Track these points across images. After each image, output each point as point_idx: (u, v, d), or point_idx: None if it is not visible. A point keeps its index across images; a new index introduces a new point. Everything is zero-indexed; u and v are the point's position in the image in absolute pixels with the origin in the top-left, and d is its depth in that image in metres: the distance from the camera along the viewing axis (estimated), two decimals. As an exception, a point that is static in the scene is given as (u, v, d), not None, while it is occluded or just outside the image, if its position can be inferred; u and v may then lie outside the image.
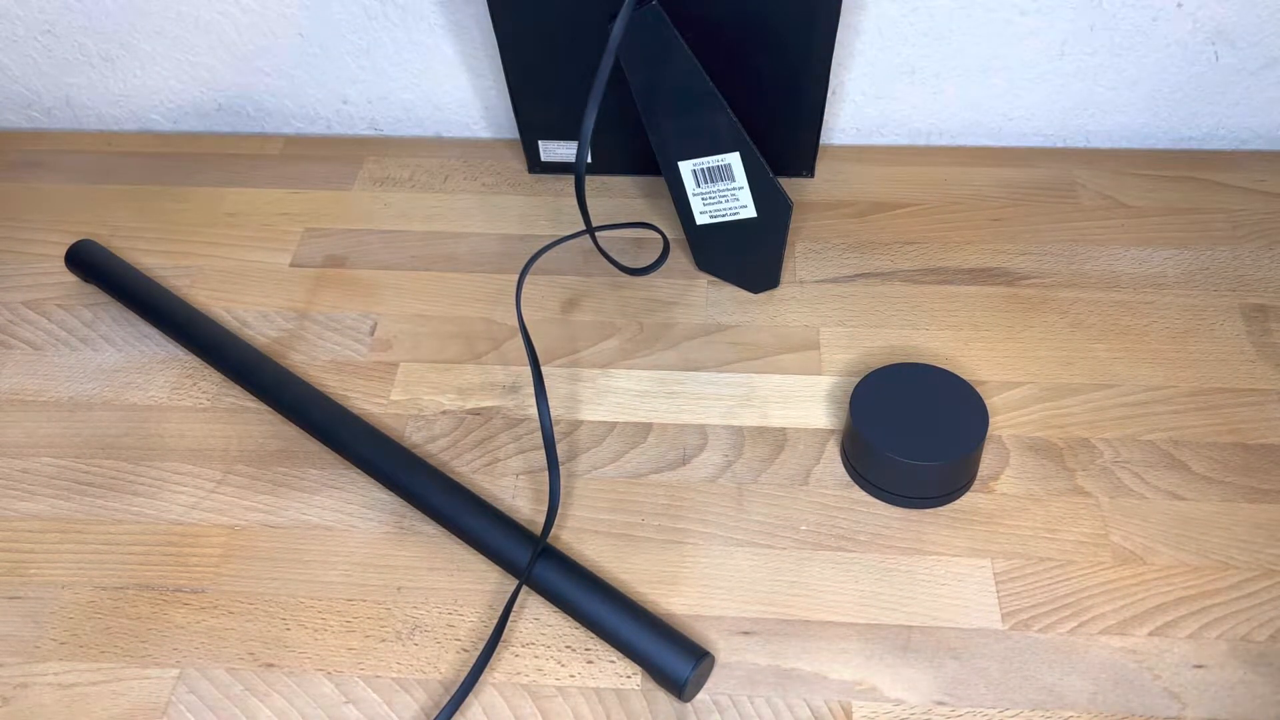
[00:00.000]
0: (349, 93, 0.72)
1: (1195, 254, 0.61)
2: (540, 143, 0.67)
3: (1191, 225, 0.63)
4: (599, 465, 0.52)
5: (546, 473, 0.51)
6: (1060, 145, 0.70)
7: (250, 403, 0.56)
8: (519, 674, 0.45)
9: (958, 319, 0.58)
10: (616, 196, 0.67)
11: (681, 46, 0.52)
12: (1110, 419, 0.53)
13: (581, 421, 0.54)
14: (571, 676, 0.45)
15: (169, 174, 0.71)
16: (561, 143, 0.67)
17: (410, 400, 0.56)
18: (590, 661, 0.45)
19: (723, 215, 0.57)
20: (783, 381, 0.56)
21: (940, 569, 0.48)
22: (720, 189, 0.56)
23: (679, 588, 0.47)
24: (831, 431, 0.53)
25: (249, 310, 0.61)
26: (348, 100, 0.73)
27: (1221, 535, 0.48)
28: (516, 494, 0.51)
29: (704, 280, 0.61)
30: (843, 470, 0.52)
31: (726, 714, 0.43)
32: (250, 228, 0.66)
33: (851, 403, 0.50)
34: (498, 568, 0.48)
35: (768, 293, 0.60)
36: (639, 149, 0.64)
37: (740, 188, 0.56)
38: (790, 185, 0.67)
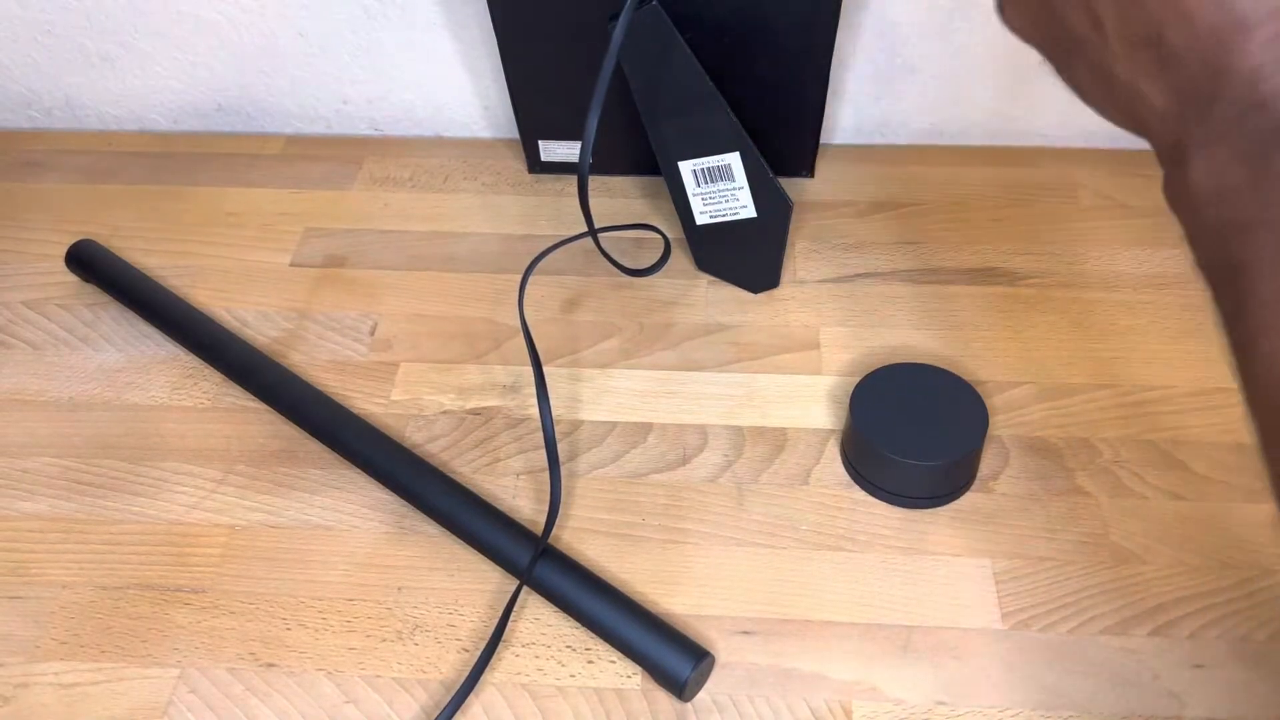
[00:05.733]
0: (349, 93, 0.72)
1: (1195, 254, 0.61)
2: (540, 143, 0.67)
3: (1191, 225, 0.63)
4: (599, 465, 0.52)
5: (547, 472, 0.51)
6: (1060, 145, 0.70)
7: (250, 403, 0.56)
8: (519, 674, 0.45)
9: (958, 319, 0.58)
10: (616, 196, 0.67)
11: (682, 47, 0.52)
12: (1110, 419, 0.53)
13: (582, 421, 0.54)
14: (572, 676, 0.45)
15: (169, 174, 0.71)
16: (562, 143, 0.67)
17: (411, 400, 0.56)
18: (590, 661, 0.45)
19: (723, 215, 0.57)
20: (783, 381, 0.56)
21: (940, 569, 0.48)
22: (720, 189, 0.56)
23: (679, 588, 0.47)
24: (831, 431, 0.53)
25: (249, 310, 0.61)
26: (348, 100, 0.73)
27: (1221, 535, 0.48)
28: (517, 494, 0.51)
29: (704, 280, 0.61)
30: (843, 470, 0.52)
31: (726, 714, 0.43)
32: (250, 228, 0.66)
33: (851, 403, 0.50)
34: (498, 568, 0.48)
35: (768, 292, 0.60)
36: (639, 149, 0.64)
37: (740, 188, 0.56)
38: (790, 185, 0.67)
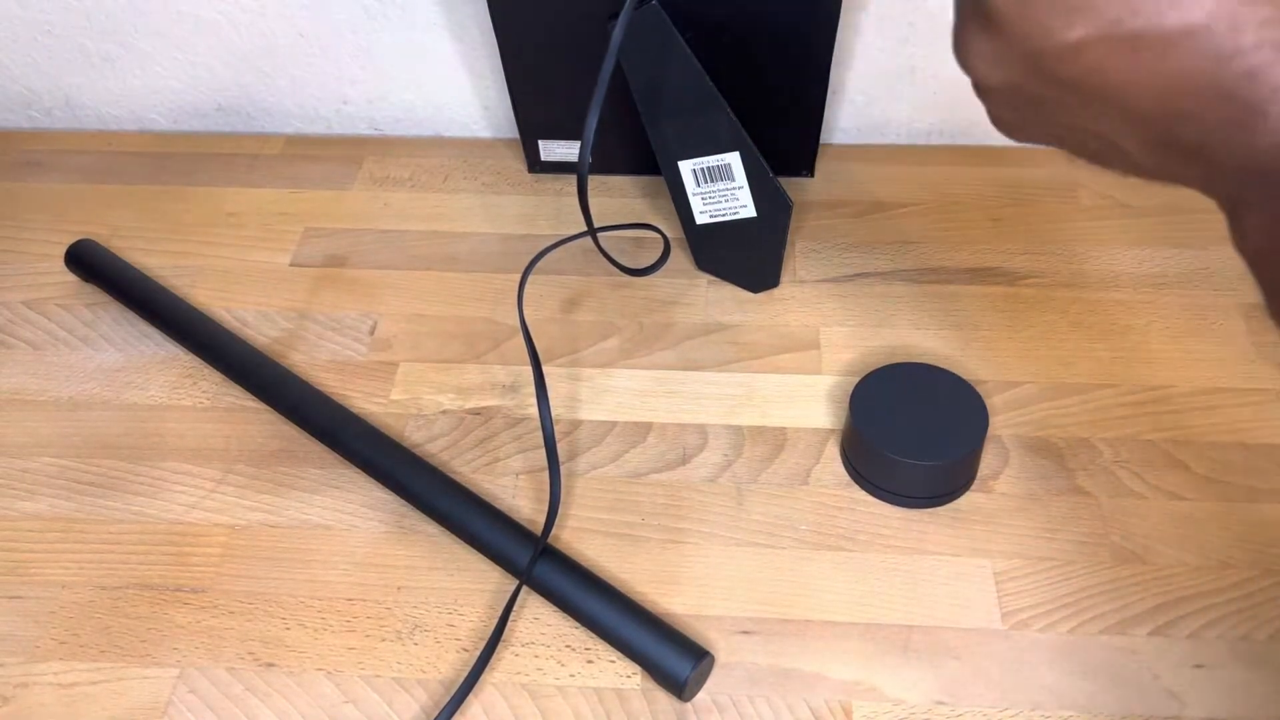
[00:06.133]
0: (349, 93, 0.72)
1: (1195, 254, 0.61)
2: (540, 142, 0.67)
3: (1191, 225, 0.63)
4: (599, 465, 0.52)
5: (546, 472, 0.51)
6: (1060, 145, 0.70)
7: (250, 402, 0.56)
8: (519, 674, 0.45)
9: (958, 319, 0.58)
10: (616, 196, 0.67)
11: (681, 46, 0.52)
12: (1110, 419, 0.53)
13: (581, 421, 0.54)
14: (571, 676, 0.45)
15: (169, 174, 0.71)
16: (562, 142, 0.67)
17: (410, 400, 0.56)
18: (590, 661, 0.45)
19: (723, 215, 0.57)
20: (783, 381, 0.56)
21: (940, 569, 0.48)
22: (720, 189, 0.56)
23: (679, 588, 0.47)
24: (831, 431, 0.53)
25: (249, 310, 0.61)
26: (348, 100, 0.73)
27: (1221, 535, 0.48)
28: (516, 494, 0.51)
29: (704, 280, 0.61)
30: (843, 470, 0.52)
31: (726, 714, 0.43)
32: (250, 228, 0.66)
33: (851, 402, 0.50)
34: (498, 567, 0.48)
35: (768, 292, 0.60)
36: (639, 149, 0.64)
37: (740, 187, 0.56)
38: (790, 185, 0.67)
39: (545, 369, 0.56)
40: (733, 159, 0.55)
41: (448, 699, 0.43)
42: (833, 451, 0.52)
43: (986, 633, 0.45)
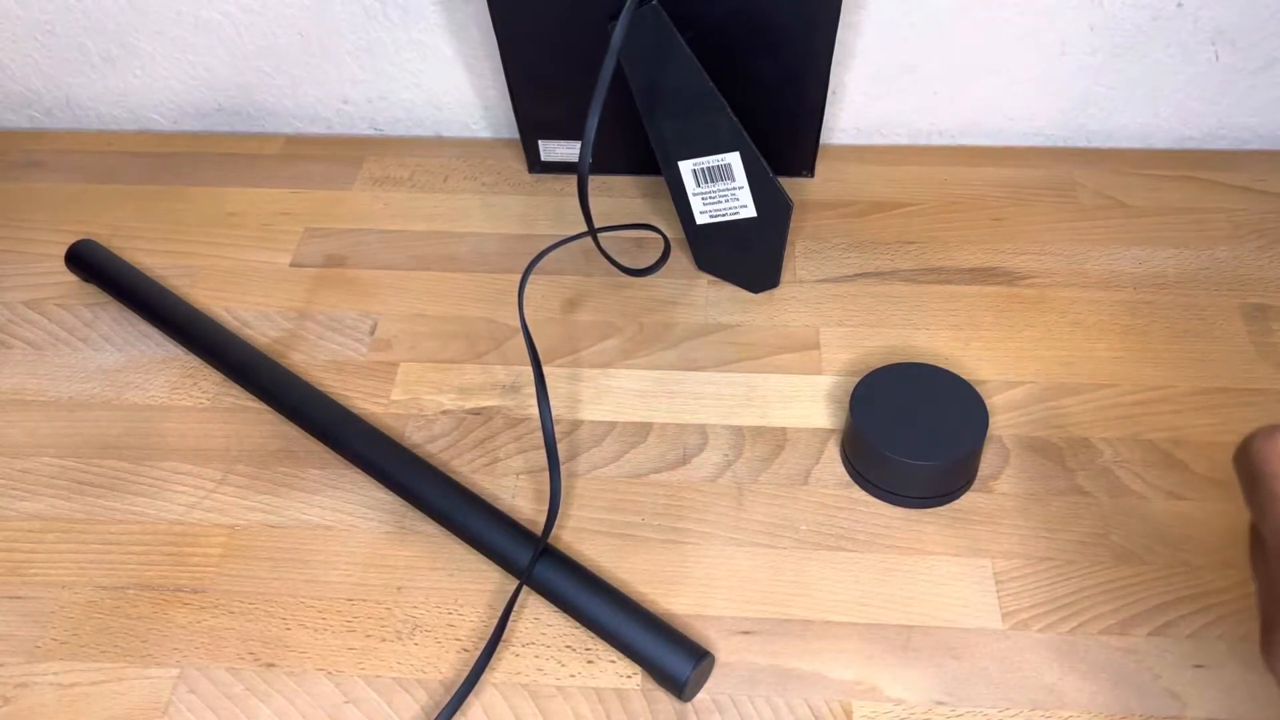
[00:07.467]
0: (349, 93, 0.72)
1: (1195, 254, 0.61)
2: (540, 142, 0.67)
3: (1191, 225, 0.63)
4: (599, 465, 0.52)
5: (547, 472, 0.51)
6: (1060, 145, 0.70)
7: (250, 402, 0.56)
8: (519, 674, 0.45)
9: (958, 319, 0.58)
10: (616, 196, 0.67)
11: (681, 46, 0.52)
12: (1110, 419, 0.53)
13: (582, 421, 0.54)
14: (572, 676, 0.45)
15: (169, 174, 0.71)
16: (562, 142, 0.67)
17: (410, 400, 0.56)
18: (590, 661, 0.45)
19: (723, 215, 0.57)
20: (783, 381, 0.56)
21: (940, 569, 0.48)
22: (720, 189, 0.56)
23: (679, 588, 0.47)
24: (831, 431, 0.53)
25: (249, 310, 0.61)
26: (348, 100, 0.73)
27: (1221, 535, 0.48)
28: (517, 494, 0.51)
29: (704, 280, 0.61)
30: (843, 470, 0.52)
31: (726, 714, 0.43)
32: (250, 228, 0.66)
33: (851, 402, 0.50)
34: (498, 567, 0.48)
35: (768, 292, 0.60)
36: (639, 149, 0.64)
37: (740, 187, 0.56)
38: (790, 185, 0.67)
39: (545, 369, 0.56)
40: (733, 159, 0.55)
41: (448, 699, 0.43)
42: (833, 451, 0.52)
43: (986, 633, 0.45)
